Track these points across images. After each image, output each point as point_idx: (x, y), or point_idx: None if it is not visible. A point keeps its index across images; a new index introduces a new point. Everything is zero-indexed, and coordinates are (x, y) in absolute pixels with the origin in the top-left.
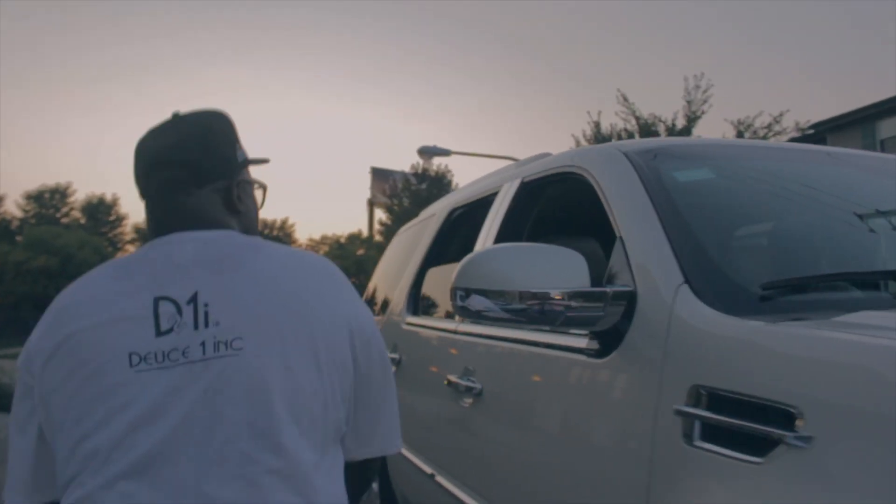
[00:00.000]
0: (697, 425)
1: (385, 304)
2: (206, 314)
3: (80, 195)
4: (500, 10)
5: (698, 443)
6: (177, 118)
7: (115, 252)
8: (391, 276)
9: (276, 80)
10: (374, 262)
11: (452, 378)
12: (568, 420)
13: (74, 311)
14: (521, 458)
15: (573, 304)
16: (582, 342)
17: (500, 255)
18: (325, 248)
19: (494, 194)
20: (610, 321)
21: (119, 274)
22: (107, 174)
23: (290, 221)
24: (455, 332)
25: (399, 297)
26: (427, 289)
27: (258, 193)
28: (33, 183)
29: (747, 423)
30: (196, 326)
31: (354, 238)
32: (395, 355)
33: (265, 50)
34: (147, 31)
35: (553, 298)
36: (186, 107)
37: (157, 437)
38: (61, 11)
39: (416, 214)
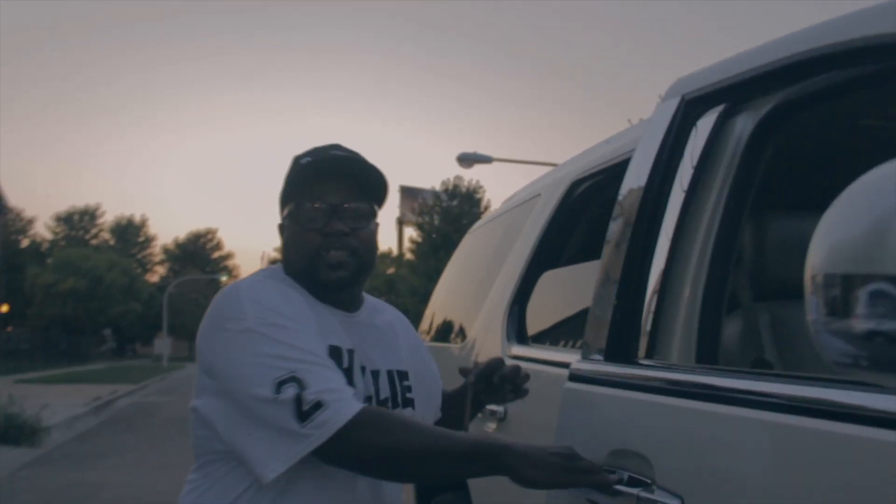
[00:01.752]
0: None
1: (461, 327)
2: None
3: (108, 217)
4: (530, 18)
5: None
6: None
7: (144, 273)
8: (467, 288)
9: (303, 101)
10: (404, 280)
11: (632, 465)
12: None
13: None
14: None
15: None
16: None
17: None
18: None
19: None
20: None
21: None
22: (135, 195)
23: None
24: (646, 381)
25: (490, 317)
26: (542, 302)
27: (289, 225)
28: (63, 205)
29: None
30: None
31: (384, 257)
32: (497, 406)
33: (292, 71)
34: (178, 55)
35: None
36: (213, 130)
37: None
38: (93, 35)
39: (447, 231)
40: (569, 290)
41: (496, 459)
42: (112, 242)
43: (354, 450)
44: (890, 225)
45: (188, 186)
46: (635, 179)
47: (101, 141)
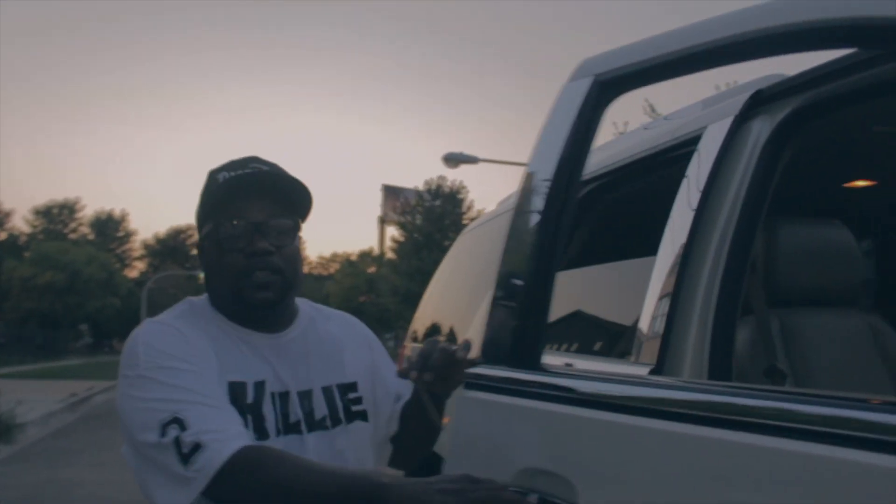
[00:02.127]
0: None
1: (452, 331)
2: None
3: (88, 210)
4: (518, 18)
5: None
6: None
7: (123, 268)
8: (461, 291)
9: (287, 98)
10: (385, 280)
11: None
12: None
13: None
14: None
15: None
16: None
17: None
18: (336, 266)
19: (678, 147)
20: None
21: None
22: (116, 189)
23: (300, 238)
24: (555, 391)
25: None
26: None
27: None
28: (41, 198)
29: None
30: None
31: (365, 256)
32: None
33: (276, 68)
34: (160, 50)
35: None
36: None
37: None
38: (74, 28)
39: (429, 231)
40: (572, 293)
41: (374, 500)
42: (91, 237)
43: (235, 491)
44: None
45: (169, 182)
46: (541, 166)
47: (82, 134)
